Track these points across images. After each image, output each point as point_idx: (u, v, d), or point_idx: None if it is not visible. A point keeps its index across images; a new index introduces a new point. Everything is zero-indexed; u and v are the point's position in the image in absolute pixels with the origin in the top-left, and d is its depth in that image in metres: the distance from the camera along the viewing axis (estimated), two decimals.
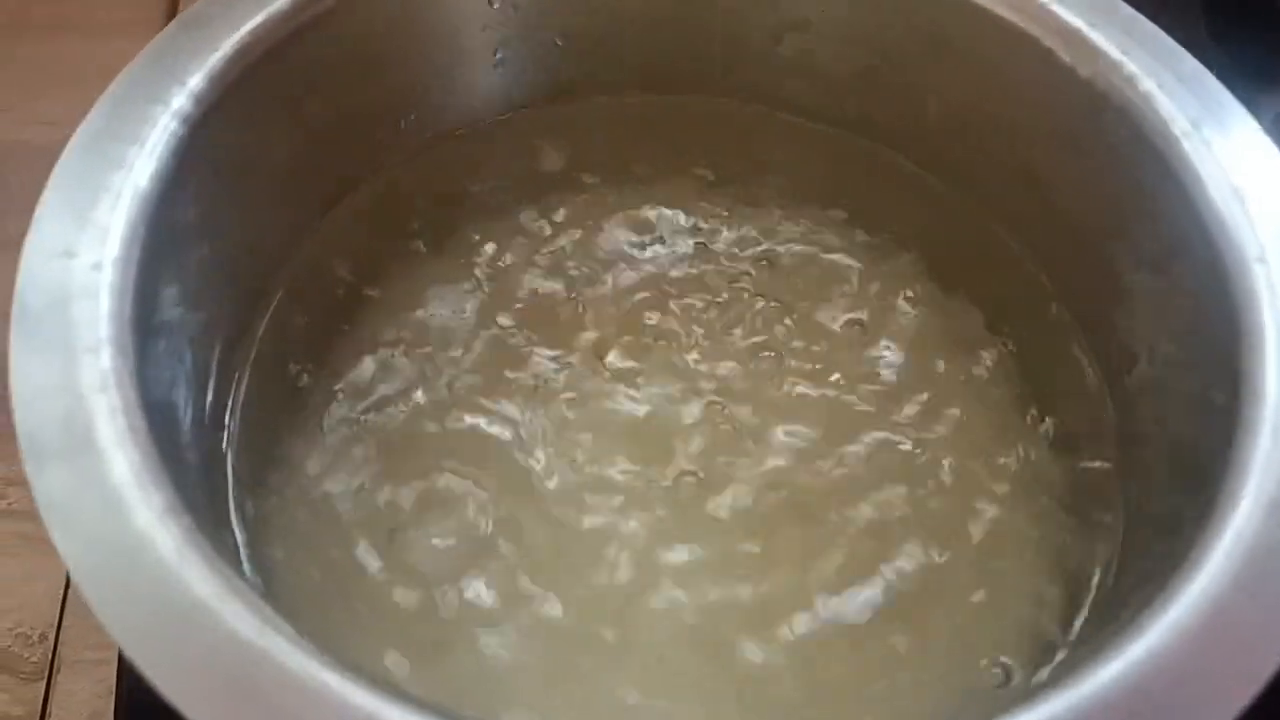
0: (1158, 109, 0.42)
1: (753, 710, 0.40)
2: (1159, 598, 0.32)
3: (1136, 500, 0.43)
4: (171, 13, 0.69)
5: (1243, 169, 0.40)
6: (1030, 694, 0.31)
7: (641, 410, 0.45)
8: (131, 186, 0.37)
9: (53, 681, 0.52)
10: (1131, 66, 0.43)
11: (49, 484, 0.32)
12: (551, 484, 0.43)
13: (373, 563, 0.42)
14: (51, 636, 0.53)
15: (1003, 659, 0.41)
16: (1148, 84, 0.42)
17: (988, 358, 0.48)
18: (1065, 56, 0.44)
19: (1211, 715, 0.29)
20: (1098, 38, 0.43)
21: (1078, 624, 0.41)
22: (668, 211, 0.51)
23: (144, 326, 0.36)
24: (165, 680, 0.29)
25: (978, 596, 0.42)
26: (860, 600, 0.42)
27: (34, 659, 0.53)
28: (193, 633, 0.30)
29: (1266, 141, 0.41)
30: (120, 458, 0.32)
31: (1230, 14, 0.66)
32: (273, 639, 0.30)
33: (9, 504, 0.56)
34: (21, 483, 0.32)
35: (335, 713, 0.29)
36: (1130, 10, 0.44)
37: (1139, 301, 0.44)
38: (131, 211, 0.37)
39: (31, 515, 0.32)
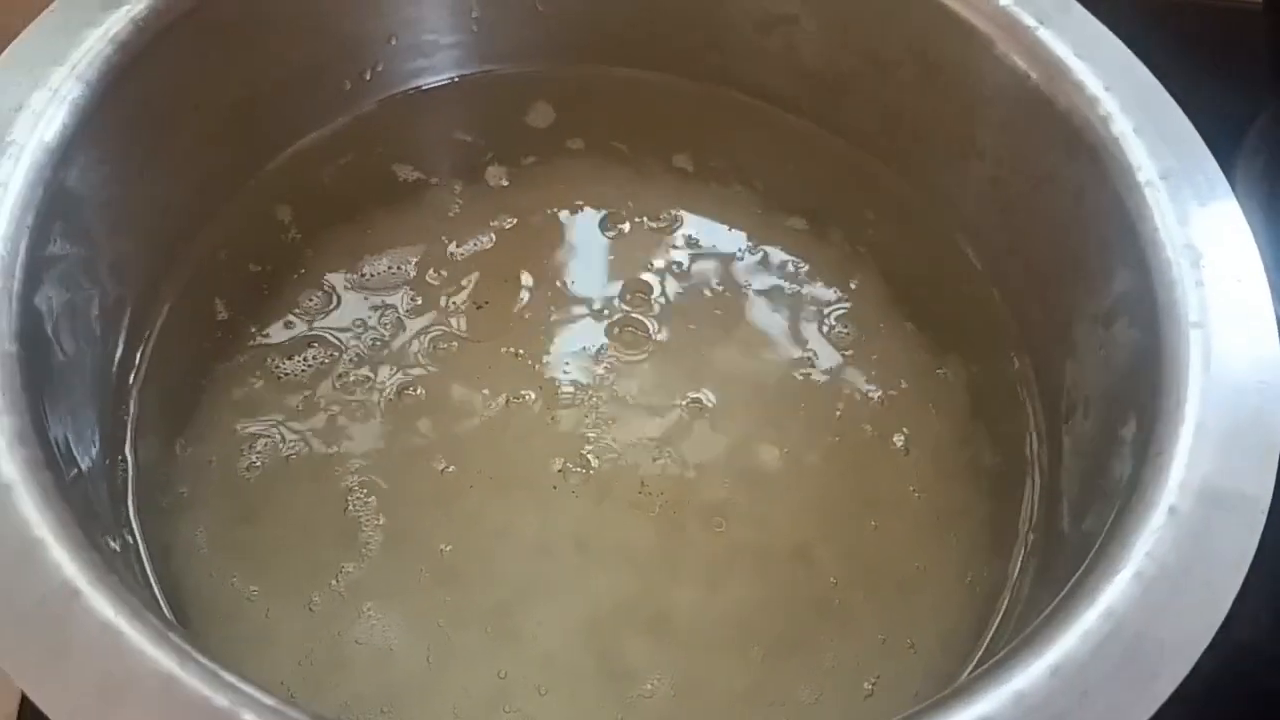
0: (1127, 154, 0.39)
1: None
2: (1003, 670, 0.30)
3: (1049, 559, 0.41)
4: None
5: (1204, 228, 0.38)
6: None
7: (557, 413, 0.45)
8: (52, 110, 0.37)
9: None
10: (1109, 105, 0.40)
11: None
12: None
13: (257, 504, 0.42)
14: None
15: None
16: (1123, 126, 0.40)
17: (932, 392, 0.46)
18: (1046, 87, 0.42)
19: None
20: (1081, 70, 0.41)
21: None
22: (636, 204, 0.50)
23: (43, 254, 0.36)
24: None
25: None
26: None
27: None
28: (9, 563, 0.30)
29: (1234, 204, 0.39)
30: None
31: None
32: (86, 583, 0.29)
33: None
34: None
35: (134, 665, 0.28)
36: (1122, 48, 0.42)
37: (1087, 353, 0.42)
38: (49, 134, 0.37)
39: None
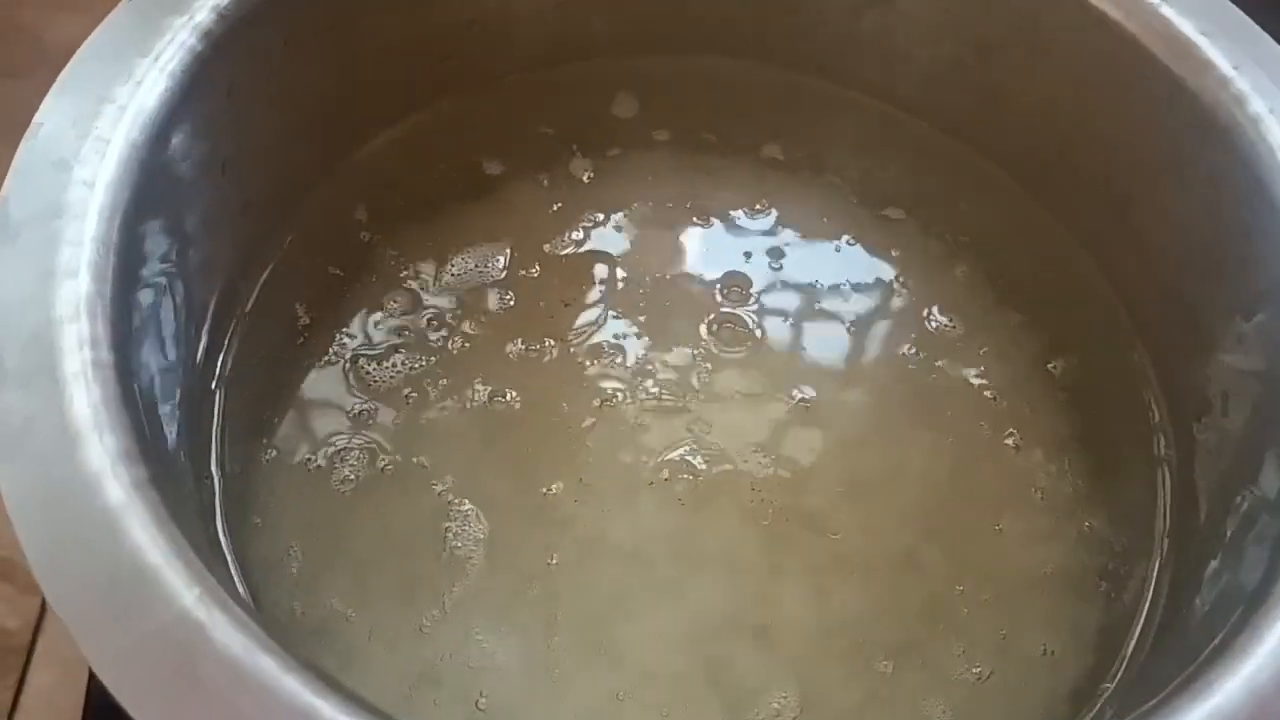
0: (1265, 135, 0.37)
1: None
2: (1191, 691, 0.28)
3: (1186, 560, 0.39)
4: None
5: None
6: None
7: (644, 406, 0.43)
8: (140, 102, 0.35)
9: None
10: (1242, 84, 0.38)
11: (3, 409, 0.29)
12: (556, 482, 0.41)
13: (350, 518, 0.40)
14: None
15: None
16: (1258, 106, 0.38)
17: (1043, 386, 0.44)
18: (1172, 66, 0.40)
19: None
20: (1209, 48, 0.39)
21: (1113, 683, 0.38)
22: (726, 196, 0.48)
23: (133, 255, 0.34)
24: (86, 637, 0.27)
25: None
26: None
27: None
28: (126, 595, 0.27)
29: None
30: (80, 392, 0.30)
31: None
32: (210, 612, 0.27)
33: None
34: None
35: (266, 700, 0.26)
36: (1248, 21, 0.40)
37: (1224, 349, 0.40)
38: (134, 130, 0.34)
39: None
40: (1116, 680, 0.37)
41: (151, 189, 0.35)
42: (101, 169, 0.33)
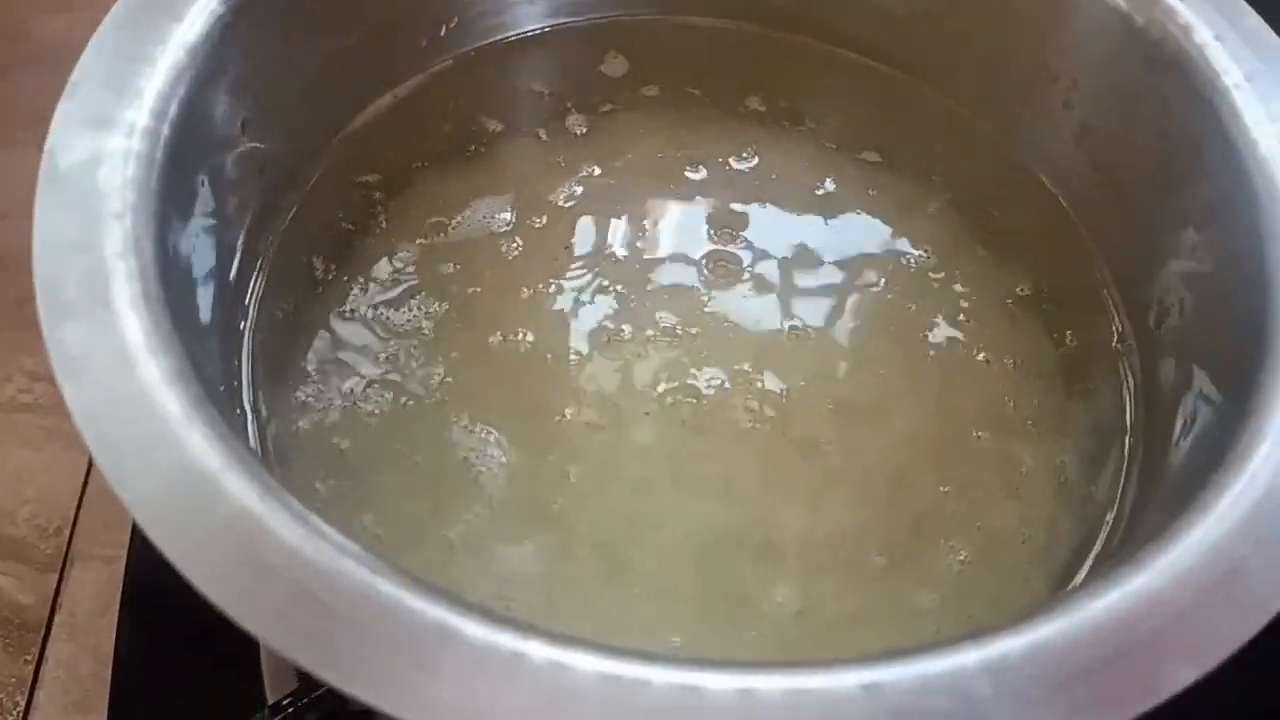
0: (1211, 61, 0.41)
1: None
2: (1161, 540, 0.31)
3: (1152, 451, 0.42)
4: None
5: None
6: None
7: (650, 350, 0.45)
8: (170, 59, 0.37)
9: (65, 574, 0.53)
10: (1188, 15, 0.42)
11: (64, 338, 0.32)
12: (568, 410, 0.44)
13: (376, 450, 0.42)
14: (67, 530, 0.53)
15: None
16: (1204, 35, 0.41)
17: (1013, 307, 0.47)
18: (1124, 4, 0.43)
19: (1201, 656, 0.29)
20: None
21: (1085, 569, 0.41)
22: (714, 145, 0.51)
23: (171, 198, 0.36)
24: (159, 534, 0.29)
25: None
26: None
27: (48, 550, 0.53)
28: (192, 494, 0.30)
29: None
30: (134, 320, 0.32)
31: None
32: (270, 507, 0.30)
33: (35, 398, 0.57)
34: (48, 378, 0.32)
35: (328, 579, 0.29)
36: None
37: (1178, 258, 0.43)
38: (167, 83, 0.37)
39: (56, 409, 0.31)
40: (1090, 564, 0.40)
41: (183, 141, 0.37)
42: (138, 120, 0.36)
